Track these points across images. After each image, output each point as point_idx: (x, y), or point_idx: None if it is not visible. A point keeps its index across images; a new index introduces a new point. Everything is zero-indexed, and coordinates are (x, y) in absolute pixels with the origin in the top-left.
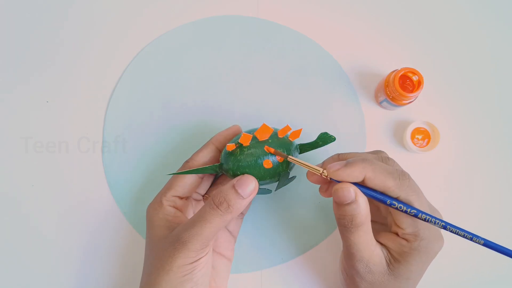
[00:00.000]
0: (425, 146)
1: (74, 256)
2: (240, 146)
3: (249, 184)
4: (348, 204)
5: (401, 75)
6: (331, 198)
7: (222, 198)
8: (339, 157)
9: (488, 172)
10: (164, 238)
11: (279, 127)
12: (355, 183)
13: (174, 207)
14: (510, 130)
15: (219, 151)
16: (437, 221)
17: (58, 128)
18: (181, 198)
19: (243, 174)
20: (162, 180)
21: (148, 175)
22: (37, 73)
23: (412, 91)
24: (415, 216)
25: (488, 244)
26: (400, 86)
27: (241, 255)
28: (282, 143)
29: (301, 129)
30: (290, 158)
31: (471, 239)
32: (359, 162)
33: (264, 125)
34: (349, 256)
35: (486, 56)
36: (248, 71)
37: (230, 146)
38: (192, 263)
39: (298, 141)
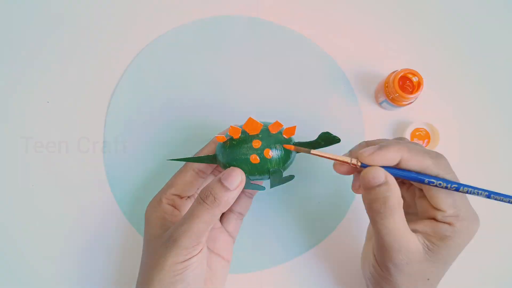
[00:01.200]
0: (424, 147)
1: (74, 255)
2: (230, 138)
3: (235, 177)
4: (379, 185)
5: (401, 76)
6: (331, 198)
7: (208, 191)
8: (367, 144)
9: (488, 173)
10: (158, 237)
11: None
12: (385, 168)
13: (172, 205)
14: (510, 131)
15: None
16: (480, 191)
17: (58, 128)
18: (181, 197)
19: (231, 166)
20: (162, 180)
21: (149, 175)
22: (37, 73)
23: (411, 92)
24: (457, 190)
25: None
26: (400, 87)
27: (241, 255)
28: (276, 140)
29: (295, 126)
30: (313, 152)
31: None
32: (394, 144)
33: (250, 118)
34: (384, 248)
35: (486, 57)
36: (248, 71)
37: (220, 138)
38: (183, 261)
39: (296, 138)
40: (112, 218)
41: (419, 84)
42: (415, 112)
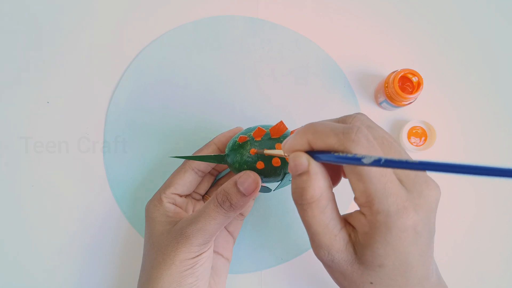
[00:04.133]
0: (421, 145)
1: (74, 255)
2: (251, 140)
3: (252, 182)
4: (299, 174)
5: (401, 77)
6: None
7: (224, 197)
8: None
9: None
10: (166, 233)
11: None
12: (315, 153)
13: (173, 204)
14: (506, 129)
15: (220, 151)
16: (381, 160)
17: (58, 128)
18: (180, 196)
19: (248, 169)
20: (162, 180)
21: (148, 175)
22: (37, 73)
23: (411, 93)
24: (358, 162)
25: (421, 164)
26: (400, 87)
27: (241, 255)
28: None
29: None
30: (267, 151)
31: (404, 167)
32: (301, 128)
33: (281, 122)
34: (310, 242)
35: (484, 56)
36: (248, 71)
37: (242, 138)
38: (194, 257)
39: None
40: (112, 218)
41: (419, 84)
42: (414, 111)
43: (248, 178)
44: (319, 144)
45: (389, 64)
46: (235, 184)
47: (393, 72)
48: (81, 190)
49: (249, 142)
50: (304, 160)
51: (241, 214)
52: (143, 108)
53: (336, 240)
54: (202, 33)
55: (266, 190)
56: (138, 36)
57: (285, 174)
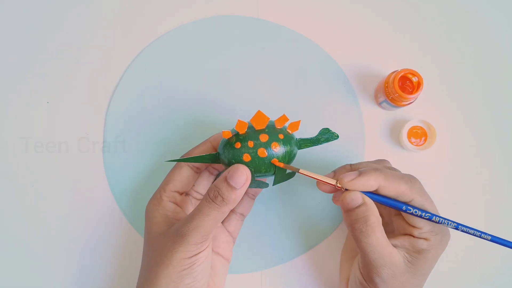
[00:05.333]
0: (422, 144)
1: (74, 255)
2: (236, 134)
3: (241, 175)
4: (358, 207)
5: (401, 77)
6: (331, 199)
7: (216, 192)
8: (351, 167)
9: (484, 169)
10: (163, 234)
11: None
12: (367, 193)
13: (174, 202)
14: (506, 128)
15: (215, 150)
16: (450, 222)
17: (58, 128)
18: (180, 193)
19: (236, 163)
20: (161, 180)
21: (148, 175)
22: (37, 73)
23: (411, 93)
24: (429, 219)
25: (495, 240)
26: (400, 87)
27: (241, 255)
28: (283, 137)
29: (300, 120)
30: (302, 171)
31: (479, 236)
32: (371, 172)
33: (259, 112)
34: (370, 265)
35: (484, 56)
36: (248, 72)
37: (226, 133)
38: (191, 257)
39: (297, 135)
40: (111, 218)
41: (419, 84)
42: (413, 110)
43: (236, 170)
44: (389, 189)
45: (389, 64)
46: (225, 178)
47: (393, 72)
48: (81, 190)
49: (234, 137)
50: (359, 195)
51: (241, 214)
52: (143, 108)
53: (394, 257)
54: (202, 33)
55: (263, 185)
56: (138, 36)
57: (275, 166)
